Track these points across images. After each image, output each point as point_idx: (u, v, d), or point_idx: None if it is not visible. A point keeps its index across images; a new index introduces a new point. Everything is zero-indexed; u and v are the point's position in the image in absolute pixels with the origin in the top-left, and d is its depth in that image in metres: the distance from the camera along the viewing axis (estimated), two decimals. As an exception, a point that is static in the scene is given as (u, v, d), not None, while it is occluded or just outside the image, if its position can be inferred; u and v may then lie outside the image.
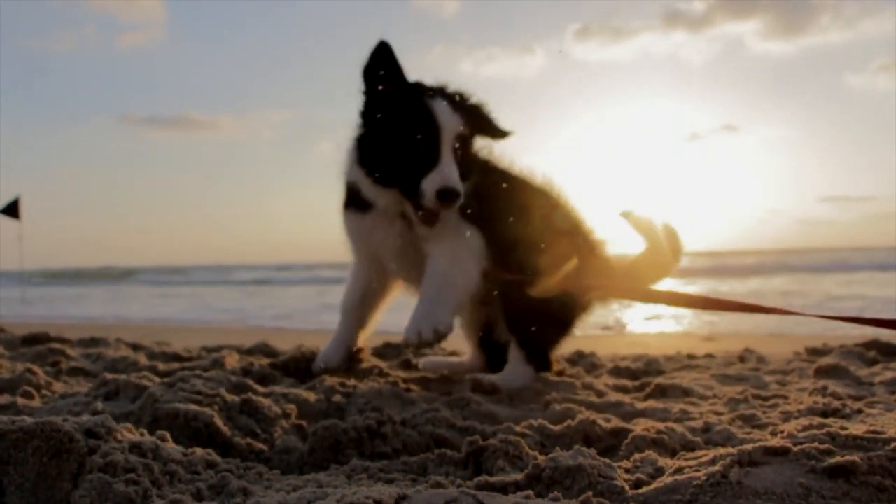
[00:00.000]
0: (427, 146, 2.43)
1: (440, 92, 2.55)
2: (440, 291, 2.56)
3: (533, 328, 2.75)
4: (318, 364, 2.96)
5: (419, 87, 2.55)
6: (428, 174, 2.41)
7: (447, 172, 2.40)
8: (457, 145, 2.48)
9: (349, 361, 2.97)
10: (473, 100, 2.62)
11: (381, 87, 2.52)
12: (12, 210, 13.52)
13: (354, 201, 2.71)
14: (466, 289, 2.61)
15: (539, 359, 2.83)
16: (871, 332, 4.57)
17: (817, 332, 6.45)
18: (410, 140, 2.44)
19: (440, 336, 2.48)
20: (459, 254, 2.61)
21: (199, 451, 1.71)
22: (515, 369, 2.76)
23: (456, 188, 2.38)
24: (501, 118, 2.66)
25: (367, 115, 2.58)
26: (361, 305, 2.99)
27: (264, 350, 3.69)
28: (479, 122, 2.60)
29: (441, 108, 2.46)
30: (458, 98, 2.57)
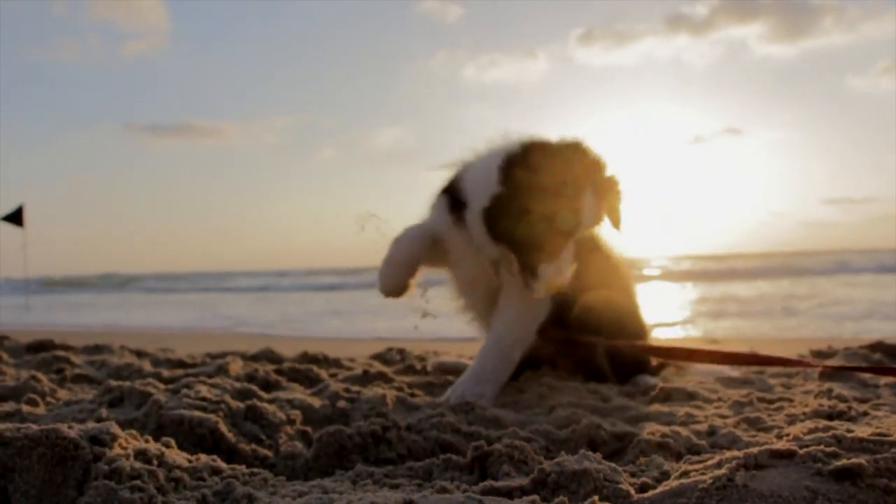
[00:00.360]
0: (557, 240, 2.49)
1: (588, 179, 2.53)
2: (494, 366, 2.69)
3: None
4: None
5: (568, 170, 2.51)
6: (546, 259, 2.47)
7: (563, 269, 2.49)
8: (581, 237, 2.57)
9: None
10: (615, 181, 2.62)
11: (531, 163, 2.50)
12: (16, 218, 13.54)
13: (458, 208, 2.70)
14: (518, 354, 2.77)
15: None
16: (875, 335, 4.56)
17: (821, 335, 6.43)
18: (548, 227, 2.47)
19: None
20: (524, 314, 2.74)
21: (203, 457, 1.71)
22: None
23: (562, 282, 2.51)
24: (622, 208, 2.65)
25: (511, 177, 2.50)
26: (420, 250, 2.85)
27: (268, 356, 3.69)
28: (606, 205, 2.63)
29: (586, 202, 2.48)
30: (604, 172, 2.59)
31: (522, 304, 2.71)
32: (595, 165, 2.56)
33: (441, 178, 2.85)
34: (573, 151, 2.54)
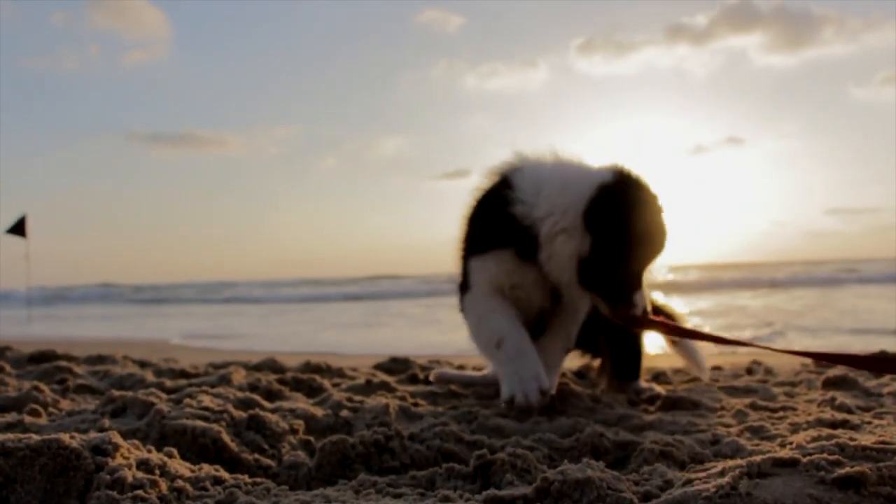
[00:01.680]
0: (644, 266, 2.54)
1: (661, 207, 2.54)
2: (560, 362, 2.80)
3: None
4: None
5: (651, 199, 2.51)
6: (634, 290, 2.51)
7: (646, 292, 2.57)
8: None
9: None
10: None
11: (623, 204, 2.44)
12: (19, 229, 13.57)
13: (523, 245, 2.53)
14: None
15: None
16: (878, 344, 4.55)
17: (824, 345, 6.42)
18: (643, 261, 2.52)
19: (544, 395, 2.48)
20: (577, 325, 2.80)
21: (206, 467, 1.71)
22: None
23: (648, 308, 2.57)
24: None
25: (601, 224, 2.42)
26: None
27: (271, 366, 3.69)
28: None
29: (667, 236, 2.52)
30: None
31: (578, 318, 2.77)
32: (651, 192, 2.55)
33: (474, 194, 2.70)
34: (642, 187, 2.50)
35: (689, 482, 1.44)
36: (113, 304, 25.41)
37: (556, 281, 2.52)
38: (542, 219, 2.46)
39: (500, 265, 2.58)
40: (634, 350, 3.12)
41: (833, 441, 1.54)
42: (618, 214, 2.41)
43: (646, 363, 3.20)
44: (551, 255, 2.47)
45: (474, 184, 2.74)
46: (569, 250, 2.44)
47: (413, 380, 3.52)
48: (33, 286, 16.57)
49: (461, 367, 3.75)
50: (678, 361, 3.33)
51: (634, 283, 2.53)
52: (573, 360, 3.38)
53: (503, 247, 2.56)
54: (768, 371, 3.80)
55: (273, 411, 2.31)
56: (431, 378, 3.23)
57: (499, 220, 2.56)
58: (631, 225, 2.42)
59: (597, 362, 3.29)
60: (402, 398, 2.66)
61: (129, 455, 1.58)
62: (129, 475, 1.48)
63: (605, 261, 2.42)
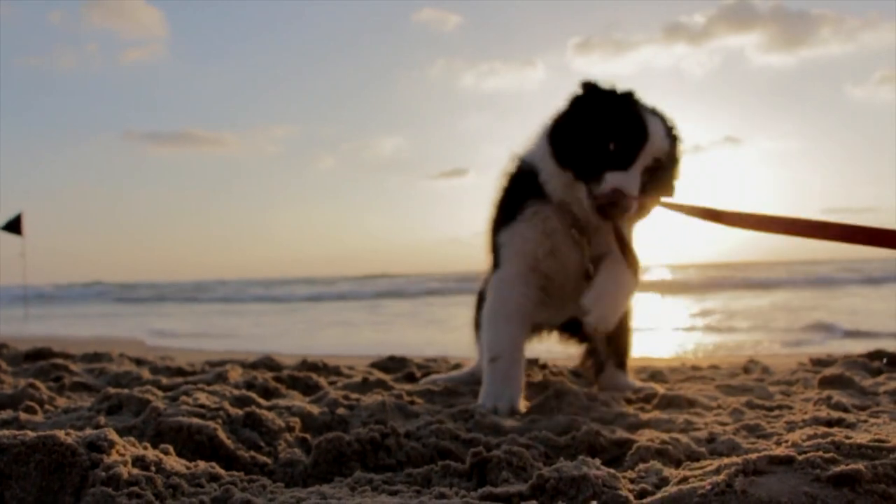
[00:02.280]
0: (626, 151, 2.50)
1: (657, 113, 2.61)
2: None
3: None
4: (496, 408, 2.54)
5: (637, 100, 2.60)
6: (614, 172, 2.48)
7: (630, 180, 2.48)
8: (649, 166, 2.54)
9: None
10: (679, 147, 2.68)
11: (600, 90, 2.60)
12: (15, 226, 13.54)
13: (529, 189, 2.69)
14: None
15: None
16: (875, 344, 4.55)
17: (821, 343, 6.43)
18: (615, 138, 2.50)
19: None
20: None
21: (202, 464, 1.70)
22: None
23: (630, 197, 2.47)
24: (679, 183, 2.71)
25: (577, 108, 2.62)
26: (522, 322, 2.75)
27: (268, 364, 3.69)
28: (669, 164, 2.65)
29: (655, 126, 2.53)
30: (671, 131, 2.64)
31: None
32: (666, 119, 2.62)
33: (499, 180, 2.85)
34: (607, 90, 2.60)
35: (684, 480, 1.44)
36: (100, 302, 25.32)
37: (552, 191, 2.63)
38: (537, 161, 2.68)
39: (532, 230, 2.69)
40: (623, 336, 3.15)
41: (828, 439, 1.54)
42: (571, 102, 2.60)
43: (644, 363, 3.21)
44: (542, 171, 2.64)
45: (501, 172, 2.88)
46: (543, 153, 2.63)
47: (410, 378, 3.52)
48: (21, 284, 16.49)
49: (458, 367, 3.75)
50: (674, 360, 3.32)
51: (604, 161, 2.50)
52: (558, 351, 3.42)
53: (531, 213, 2.69)
54: (765, 370, 3.81)
55: (269, 409, 2.31)
56: (422, 384, 3.23)
57: (523, 190, 2.72)
58: (583, 106, 2.56)
59: (582, 347, 3.29)
60: (399, 396, 2.66)
61: (124, 452, 1.57)
62: (125, 472, 1.48)
63: (568, 135, 2.57)
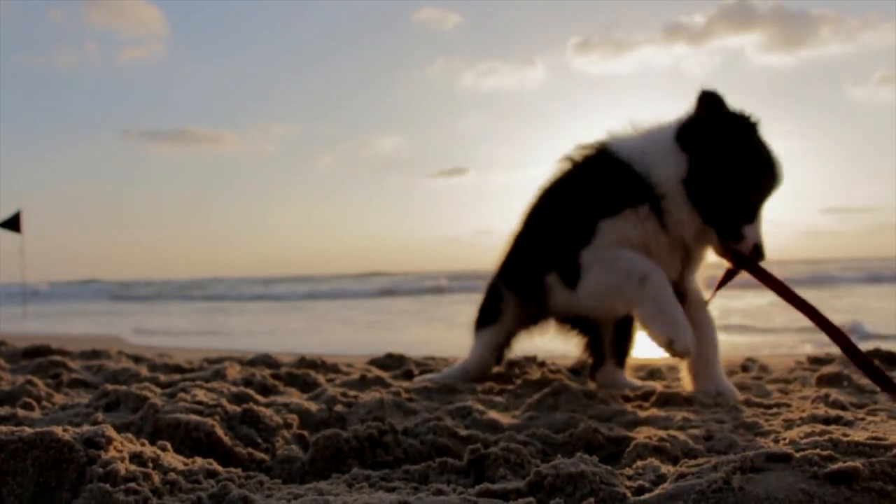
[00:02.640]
0: (760, 201, 2.49)
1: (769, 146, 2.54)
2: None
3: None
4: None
5: (760, 135, 2.53)
6: (746, 224, 2.47)
7: (761, 231, 2.49)
8: None
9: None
10: None
11: (731, 115, 2.52)
12: (14, 224, 13.53)
13: (626, 184, 2.58)
14: None
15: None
16: (873, 342, 4.56)
17: (819, 343, 6.43)
18: (753, 188, 2.47)
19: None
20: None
21: (199, 460, 1.70)
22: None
23: (766, 253, 2.49)
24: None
25: (710, 141, 2.50)
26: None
27: (266, 361, 3.69)
28: None
29: (781, 168, 2.49)
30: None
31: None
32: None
33: (563, 167, 2.79)
34: (737, 113, 2.54)
35: (681, 477, 1.44)
36: (94, 300, 25.23)
37: (674, 220, 2.53)
38: (652, 166, 2.54)
39: (635, 226, 2.58)
40: (627, 336, 3.13)
41: (826, 437, 1.54)
42: (711, 130, 2.45)
43: (643, 361, 3.21)
44: (665, 194, 2.51)
45: (574, 155, 2.82)
46: (671, 173, 2.48)
47: (408, 376, 3.52)
48: (15, 282, 16.46)
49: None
50: (672, 358, 3.30)
51: (743, 213, 2.46)
52: (557, 349, 3.41)
53: (632, 212, 2.58)
54: (763, 368, 3.81)
55: (267, 406, 2.30)
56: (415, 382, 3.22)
57: (618, 184, 2.59)
58: (727, 141, 2.43)
59: (584, 341, 3.26)
60: (397, 393, 2.66)
61: (122, 448, 1.57)
62: (122, 468, 1.48)
63: (706, 179, 2.45)
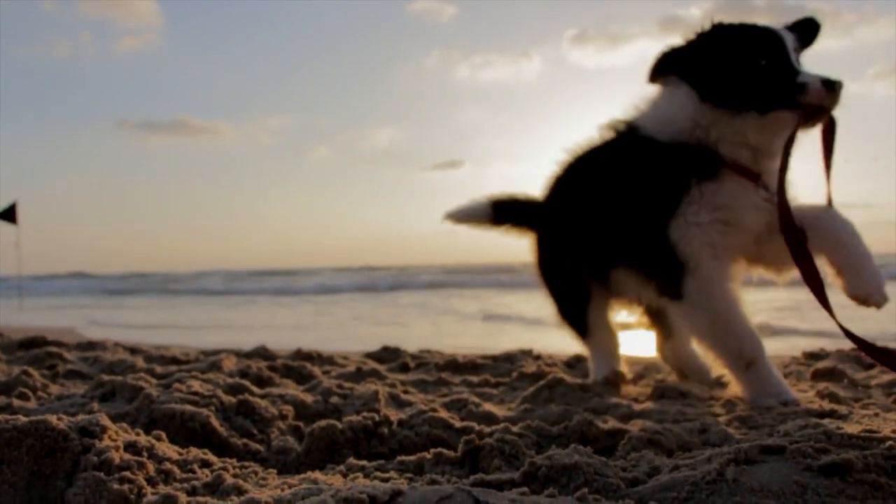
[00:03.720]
0: (781, 61, 2.30)
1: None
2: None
3: None
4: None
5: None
6: (794, 77, 2.26)
7: (814, 73, 2.26)
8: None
9: None
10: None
11: (719, 25, 2.40)
12: (9, 215, 13.49)
13: (695, 165, 2.35)
14: None
15: None
16: (867, 338, 4.55)
17: (817, 339, 6.44)
18: (765, 52, 2.30)
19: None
20: None
21: (194, 450, 1.71)
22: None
23: (838, 84, 2.23)
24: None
25: (705, 51, 2.37)
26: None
27: (262, 353, 3.69)
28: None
29: (777, 27, 2.38)
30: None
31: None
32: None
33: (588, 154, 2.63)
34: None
35: (676, 468, 1.45)
36: (73, 294, 25.04)
37: (744, 138, 2.33)
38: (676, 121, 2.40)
39: (723, 195, 2.35)
40: None
41: (820, 429, 1.55)
42: (694, 54, 2.40)
43: (638, 356, 3.20)
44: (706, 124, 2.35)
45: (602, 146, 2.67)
46: (693, 111, 2.36)
47: (403, 368, 3.52)
48: (12, 275, 16.40)
49: (452, 358, 3.75)
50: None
51: (783, 74, 2.27)
52: (553, 343, 3.39)
53: (699, 196, 2.35)
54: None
55: (263, 397, 2.31)
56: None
57: (667, 168, 2.38)
58: (713, 45, 2.36)
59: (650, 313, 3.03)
60: (392, 385, 2.66)
61: (116, 437, 1.57)
62: (117, 457, 1.48)
63: (719, 67, 2.33)
